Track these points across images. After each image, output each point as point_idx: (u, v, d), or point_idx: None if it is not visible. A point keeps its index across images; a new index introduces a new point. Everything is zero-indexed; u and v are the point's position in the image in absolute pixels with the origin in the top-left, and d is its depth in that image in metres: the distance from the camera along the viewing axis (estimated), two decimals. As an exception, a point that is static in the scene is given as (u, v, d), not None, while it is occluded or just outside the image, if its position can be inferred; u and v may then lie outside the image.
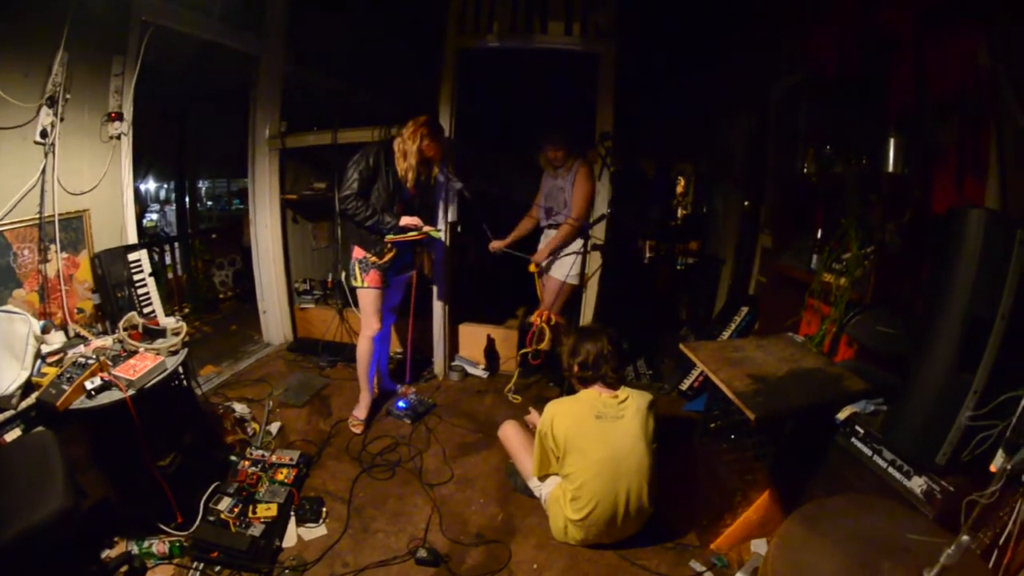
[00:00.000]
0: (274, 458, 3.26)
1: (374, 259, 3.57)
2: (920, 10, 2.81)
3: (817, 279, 3.31)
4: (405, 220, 3.50)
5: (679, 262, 6.24)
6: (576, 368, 2.76)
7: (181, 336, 3.03)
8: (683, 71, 5.32)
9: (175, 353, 2.93)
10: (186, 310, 5.67)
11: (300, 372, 4.63)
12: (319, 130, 4.69)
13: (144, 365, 2.66)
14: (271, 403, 4.06)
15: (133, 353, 2.80)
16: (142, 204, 8.70)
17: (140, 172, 7.92)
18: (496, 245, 4.25)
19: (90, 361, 2.61)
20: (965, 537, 1.54)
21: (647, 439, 2.65)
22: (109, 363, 2.68)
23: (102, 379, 2.54)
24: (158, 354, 2.82)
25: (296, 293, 5.25)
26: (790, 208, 4.01)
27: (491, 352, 4.72)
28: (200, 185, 8.83)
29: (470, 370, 4.71)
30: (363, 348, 3.75)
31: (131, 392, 2.52)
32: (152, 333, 3.06)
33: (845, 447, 2.41)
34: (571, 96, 4.43)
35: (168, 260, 6.03)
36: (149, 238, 6.43)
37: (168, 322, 3.16)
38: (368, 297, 3.65)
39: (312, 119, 4.78)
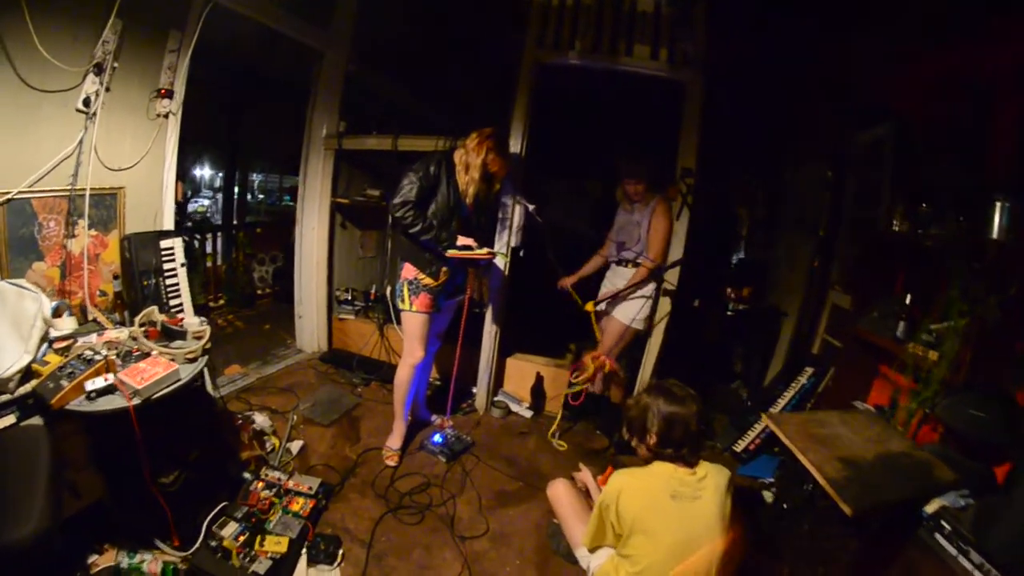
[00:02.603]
0: (291, 483, 2.86)
1: (427, 280, 3.11)
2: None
3: (906, 350, 2.84)
4: (462, 240, 3.04)
5: (729, 307, 5.71)
6: (654, 441, 2.24)
7: (203, 342, 2.58)
8: (749, 111, 4.80)
9: (193, 360, 2.48)
10: (221, 301, 5.45)
11: (331, 386, 4.18)
12: (379, 134, 4.26)
13: (155, 372, 2.23)
14: (295, 417, 3.63)
15: (146, 355, 2.38)
16: (195, 188, 8.52)
17: (191, 158, 7.77)
18: (567, 282, 3.78)
19: (97, 357, 2.22)
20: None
21: (724, 522, 2.14)
22: (118, 362, 2.30)
23: (106, 381, 2.13)
24: (173, 360, 2.38)
25: (336, 302, 4.82)
26: (873, 267, 3.51)
27: (538, 390, 4.22)
28: (253, 178, 8.62)
29: (514, 407, 4.20)
30: (403, 375, 3.27)
31: (136, 401, 2.11)
32: (171, 333, 2.63)
33: (927, 543, 2.07)
34: (649, 127, 3.93)
35: (209, 249, 5.70)
36: (195, 223, 6.14)
37: (192, 323, 2.72)
38: (415, 322, 3.18)
39: (371, 124, 4.38)
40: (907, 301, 2.98)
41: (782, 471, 3.46)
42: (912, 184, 3.14)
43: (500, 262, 3.74)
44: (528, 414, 4.17)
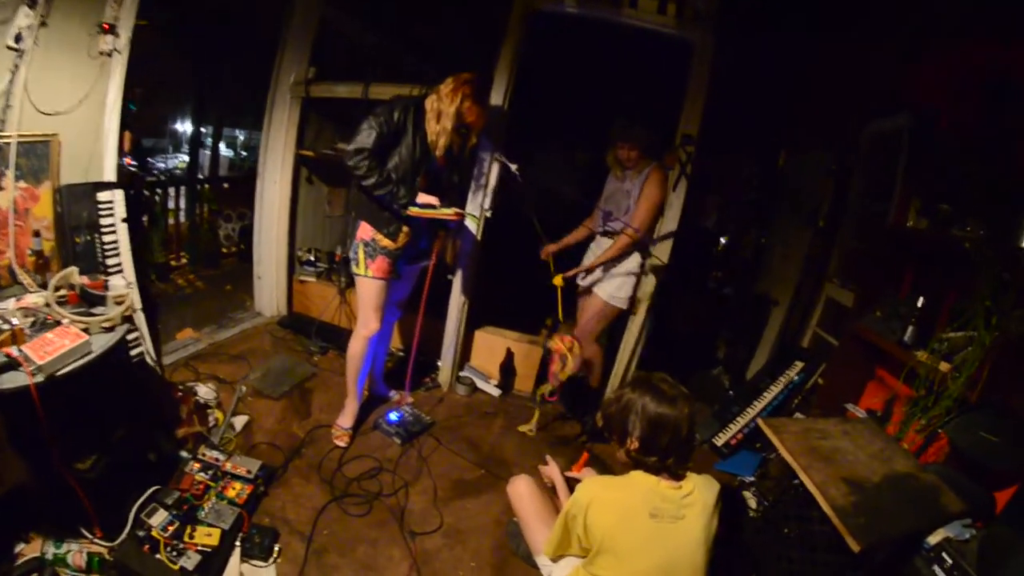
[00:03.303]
0: (229, 466, 2.53)
1: (386, 242, 2.72)
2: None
3: (914, 357, 2.56)
4: (424, 198, 2.64)
5: (711, 285, 5.39)
6: (635, 446, 1.87)
7: (123, 308, 2.19)
8: (753, 85, 4.42)
9: (110, 330, 2.11)
10: (183, 260, 4.97)
11: (285, 355, 3.81)
12: (351, 82, 3.81)
13: (61, 344, 1.88)
14: (244, 389, 3.27)
15: (57, 323, 2.01)
16: (176, 144, 8.06)
17: (169, 111, 7.28)
18: (551, 249, 3.39)
19: (3, 327, 1.91)
20: None
21: (708, 546, 1.82)
22: (27, 332, 1.94)
23: (7, 356, 1.77)
24: (86, 330, 2.02)
25: (298, 262, 4.42)
26: (880, 263, 3.21)
27: (508, 367, 3.87)
28: (238, 134, 8.15)
29: (480, 384, 3.85)
30: (355, 348, 2.90)
31: (39, 379, 1.76)
32: (92, 299, 2.26)
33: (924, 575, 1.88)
34: (649, 92, 3.52)
35: (177, 204, 5.19)
36: (160, 179, 5.66)
37: (116, 286, 2.34)
38: (370, 289, 2.79)
39: (345, 73, 3.93)
40: (919, 304, 2.70)
41: (764, 470, 3.20)
42: (931, 181, 2.87)
43: (472, 225, 3.35)
44: (496, 392, 3.83)
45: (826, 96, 4.24)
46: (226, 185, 5.90)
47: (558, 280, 3.21)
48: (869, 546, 1.80)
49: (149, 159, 5.56)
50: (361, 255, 2.72)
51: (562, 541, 1.96)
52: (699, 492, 1.85)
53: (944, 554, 1.86)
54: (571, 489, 2.25)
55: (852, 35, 3.84)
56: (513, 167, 3.02)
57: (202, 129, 6.24)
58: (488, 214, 3.38)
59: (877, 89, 3.51)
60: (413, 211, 2.61)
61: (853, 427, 2.51)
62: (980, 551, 1.81)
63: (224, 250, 5.61)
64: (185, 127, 8.06)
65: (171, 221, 5.07)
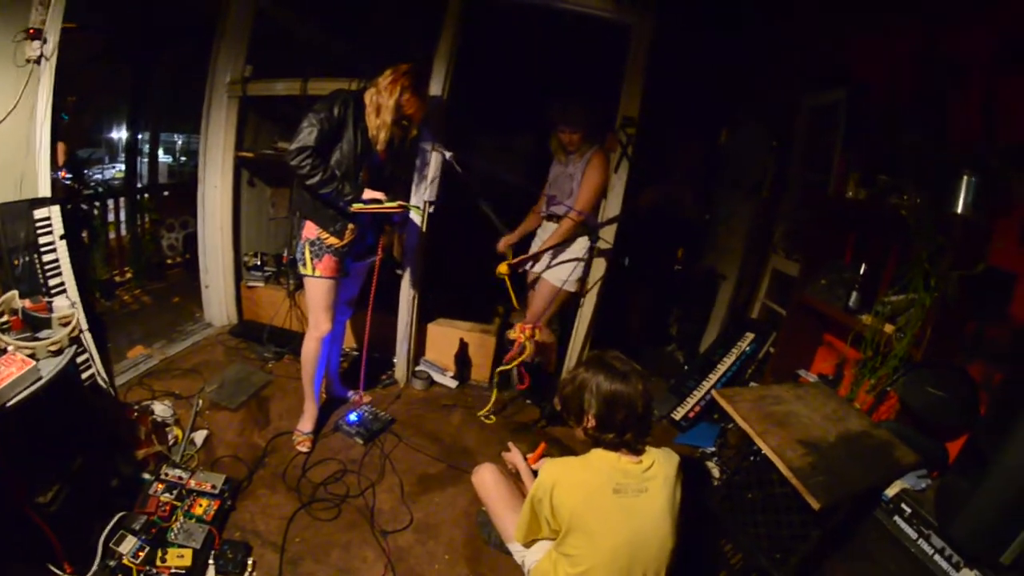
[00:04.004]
0: (193, 483, 2.41)
1: (332, 240, 2.63)
2: (1002, 46, 2.31)
3: (859, 322, 2.65)
4: (369, 193, 2.55)
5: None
6: (592, 424, 1.87)
7: (70, 328, 2.08)
8: (692, 63, 4.42)
9: (58, 352, 2.00)
10: (128, 275, 4.80)
11: (240, 364, 3.66)
12: (288, 78, 3.66)
13: (8, 372, 1.77)
14: (200, 403, 3.12)
15: (3, 352, 1.88)
16: (113, 153, 7.72)
17: (107, 119, 7.06)
18: (509, 239, 3.34)
19: None
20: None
21: (673, 515, 1.84)
22: None
23: None
24: (33, 355, 1.91)
25: (245, 268, 4.25)
26: (823, 233, 3.26)
27: (463, 358, 3.81)
28: (176, 139, 7.81)
29: (437, 377, 3.78)
30: (309, 351, 2.81)
31: None
32: (36, 322, 2.14)
33: (886, 526, 1.94)
34: (590, 76, 3.48)
35: (112, 217, 4.93)
36: (106, 189, 5.38)
37: (59, 307, 2.21)
38: (319, 289, 2.70)
39: (283, 70, 3.76)
40: (861, 271, 2.77)
41: (723, 440, 3.24)
42: (867, 151, 2.94)
43: (416, 218, 3.26)
44: (453, 384, 3.78)
45: (765, 72, 4.30)
46: (167, 193, 5.69)
47: (503, 268, 3.15)
48: (829, 503, 1.84)
49: (85, 171, 5.25)
50: (308, 255, 2.63)
51: (531, 526, 1.95)
52: (659, 465, 1.86)
53: (903, 504, 1.91)
54: (535, 474, 2.24)
55: (791, 13, 3.89)
56: (448, 155, 2.95)
57: (139, 136, 5.96)
58: (431, 208, 3.29)
59: (814, 65, 3.58)
60: (358, 207, 2.53)
61: (806, 391, 2.55)
62: (937, 499, 1.86)
63: (169, 261, 5.44)
64: (121, 135, 7.72)
65: (112, 235, 4.85)
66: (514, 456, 2.37)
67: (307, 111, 2.50)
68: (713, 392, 2.47)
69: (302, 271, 2.68)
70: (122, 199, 5.08)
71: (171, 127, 7.59)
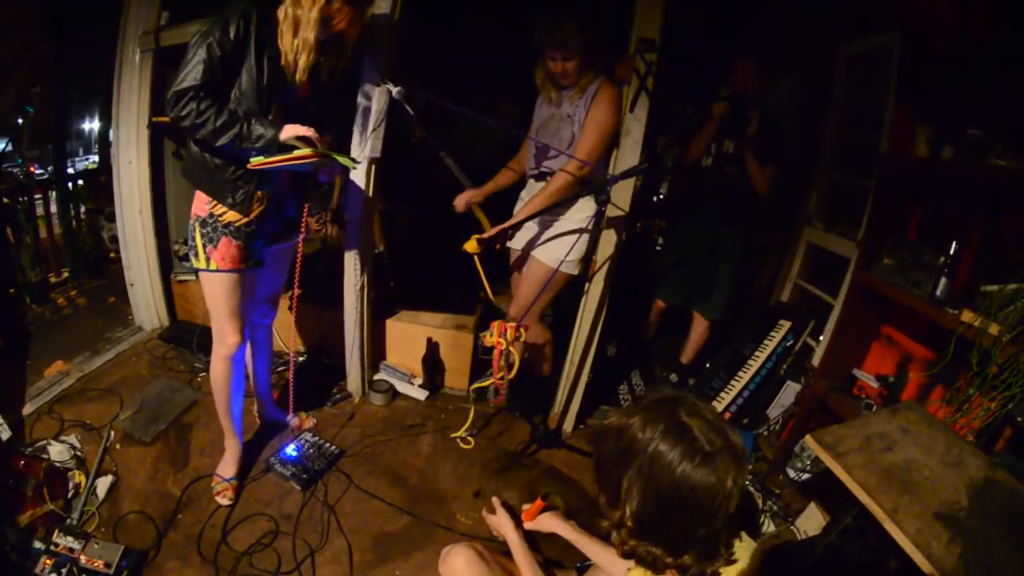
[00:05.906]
0: (84, 559, 1.76)
1: (230, 216, 1.79)
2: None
3: (949, 317, 1.97)
4: (292, 130, 1.68)
5: (657, 241, 4.69)
6: (629, 524, 1.05)
7: None
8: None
9: None
10: (65, 274, 4.12)
11: (164, 379, 2.85)
12: (205, 19, 2.73)
13: None
14: (112, 434, 2.38)
15: None
16: (86, 145, 7.18)
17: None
18: (473, 196, 2.53)
19: None
20: None
21: None
22: None
23: None
24: None
25: (176, 258, 3.41)
26: (879, 202, 2.62)
27: (433, 361, 2.99)
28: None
29: (401, 387, 2.96)
30: (217, 374, 2.00)
31: None
32: None
33: None
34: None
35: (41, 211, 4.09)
36: (27, 179, 4.47)
37: None
38: (218, 288, 1.88)
39: (205, 9, 2.82)
40: (952, 250, 2.06)
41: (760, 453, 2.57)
42: (931, 105, 2.39)
43: (360, 178, 2.41)
44: (422, 395, 2.96)
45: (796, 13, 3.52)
46: (103, 178, 4.76)
47: (471, 245, 2.30)
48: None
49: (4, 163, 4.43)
50: (199, 240, 1.79)
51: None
52: None
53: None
54: (530, 542, 1.51)
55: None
56: (395, 90, 2.12)
57: (64, 118, 5.01)
58: (376, 158, 2.40)
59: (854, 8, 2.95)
60: (255, 162, 1.66)
61: (905, 418, 1.83)
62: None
63: (112, 255, 4.58)
64: (92, 125, 6.81)
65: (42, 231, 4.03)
66: (500, 521, 1.60)
67: (195, 35, 1.65)
68: (808, 440, 1.67)
69: (193, 263, 1.84)
70: (51, 190, 4.20)
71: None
